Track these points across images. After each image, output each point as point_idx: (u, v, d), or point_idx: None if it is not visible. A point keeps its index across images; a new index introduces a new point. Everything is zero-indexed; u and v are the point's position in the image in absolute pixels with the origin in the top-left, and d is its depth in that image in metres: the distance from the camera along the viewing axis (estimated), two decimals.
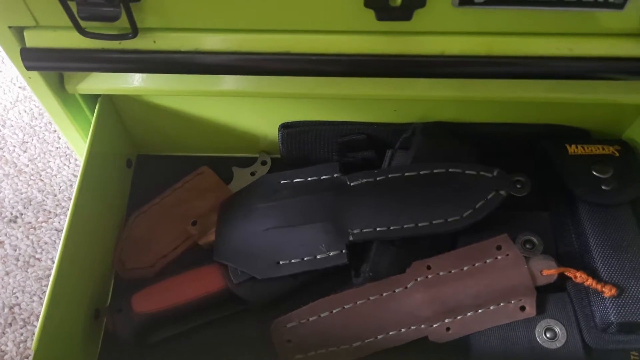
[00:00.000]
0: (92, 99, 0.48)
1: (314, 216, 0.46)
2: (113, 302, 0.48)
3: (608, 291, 0.42)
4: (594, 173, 0.47)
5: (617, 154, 0.48)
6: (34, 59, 0.39)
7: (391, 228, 0.44)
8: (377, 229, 0.44)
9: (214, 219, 0.50)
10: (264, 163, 0.56)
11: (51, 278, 0.40)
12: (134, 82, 0.44)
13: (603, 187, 0.46)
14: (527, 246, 0.45)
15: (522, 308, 0.43)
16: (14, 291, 0.57)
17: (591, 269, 0.44)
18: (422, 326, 0.44)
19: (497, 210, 0.44)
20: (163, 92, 0.46)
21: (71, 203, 0.43)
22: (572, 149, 0.48)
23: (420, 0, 0.33)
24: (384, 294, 0.44)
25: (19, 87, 0.72)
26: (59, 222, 0.61)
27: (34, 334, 0.54)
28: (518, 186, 0.50)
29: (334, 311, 0.44)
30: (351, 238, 0.44)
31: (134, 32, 0.36)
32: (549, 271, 0.43)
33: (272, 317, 0.45)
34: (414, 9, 0.34)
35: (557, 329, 0.43)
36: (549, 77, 0.38)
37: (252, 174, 0.55)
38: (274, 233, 0.46)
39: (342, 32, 0.37)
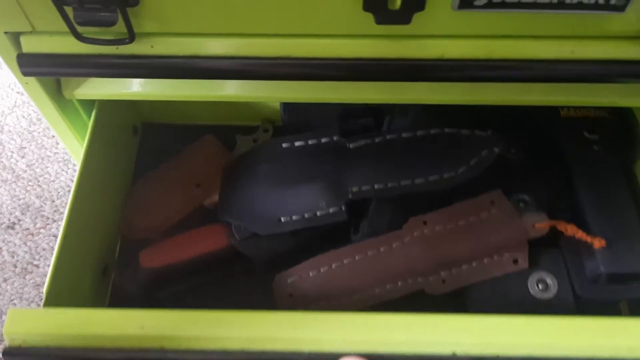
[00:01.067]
0: (89, 103, 0.48)
1: (314, 175, 0.48)
2: (121, 257, 0.51)
3: (597, 243, 0.43)
4: (586, 134, 0.48)
5: (609, 116, 0.49)
6: (30, 65, 0.39)
7: (389, 185, 0.46)
8: (375, 187, 0.46)
9: (218, 182, 0.52)
10: (266, 130, 0.58)
11: (59, 237, 0.41)
12: (132, 87, 0.44)
13: (595, 148, 0.48)
14: (521, 205, 0.46)
15: (515, 261, 0.44)
16: (11, 298, 0.56)
17: (582, 223, 0.45)
18: (419, 279, 0.45)
19: (492, 171, 0.45)
20: (162, 97, 0.46)
21: (78, 166, 0.45)
22: (564, 112, 0.50)
23: (419, 4, 0.33)
24: (382, 249, 0.45)
25: (17, 92, 0.72)
26: (57, 229, 0.61)
27: None
28: (512, 150, 0.50)
29: (333, 266, 0.46)
30: (350, 196, 0.46)
31: (131, 37, 0.36)
32: (540, 225, 0.44)
33: (275, 275, 0.47)
34: (413, 12, 0.34)
35: (548, 281, 0.44)
36: (551, 80, 0.38)
37: (255, 141, 0.57)
38: (276, 192, 0.48)
39: (341, 36, 0.37)
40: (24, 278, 0.58)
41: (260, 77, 0.39)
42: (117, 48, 0.38)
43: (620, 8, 0.33)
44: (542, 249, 0.45)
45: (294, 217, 0.47)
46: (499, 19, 0.35)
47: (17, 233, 0.61)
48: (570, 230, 0.44)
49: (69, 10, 0.34)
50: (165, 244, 0.49)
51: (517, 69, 0.37)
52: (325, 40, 0.37)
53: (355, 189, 0.46)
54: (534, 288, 0.44)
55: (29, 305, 0.56)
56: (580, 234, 0.44)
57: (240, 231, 0.47)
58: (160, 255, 0.48)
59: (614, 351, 0.34)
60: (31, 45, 0.38)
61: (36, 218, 0.62)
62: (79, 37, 0.36)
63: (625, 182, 0.47)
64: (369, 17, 0.34)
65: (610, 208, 0.46)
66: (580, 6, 0.33)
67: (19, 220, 0.62)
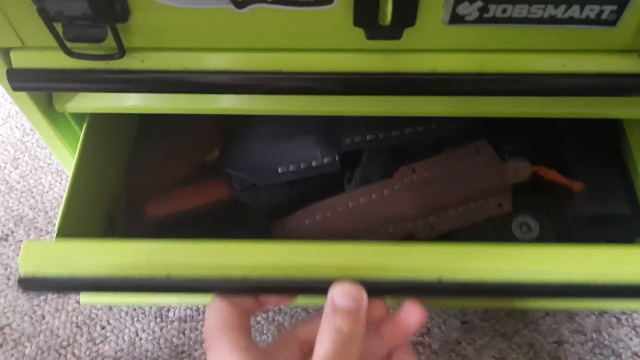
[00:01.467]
0: (81, 115, 0.48)
1: (310, 129, 0.51)
2: (127, 209, 0.53)
3: (577, 187, 0.47)
4: None
5: None
6: (20, 80, 0.38)
7: (380, 136, 0.49)
8: (367, 138, 0.49)
9: (218, 140, 0.55)
10: None
11: (66, 191, 0.44)
12: (125, 101, 0.44)
13: None
14: (506, 157, 0.49)
15: (500, 205, 0.48)
16: (4, 311, 0.56)
17: (563, 169, 0.49)
18: (409, 224, 0.48)
19: (478, 124, 0.48)
20: (155, 110, 0.46)
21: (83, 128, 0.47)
22: None
23: (409, 19, 0.33)
24: (374, 196, 0.48)
25: (10, 103, 0.72)
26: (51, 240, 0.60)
27: (24, 354, 0.53)
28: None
29: (328, 214, 0.49)
30: (344, 147, 0.49)
31: (121, 52, 0.36)
32: (523, 170, 0.48)
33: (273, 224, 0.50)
34: (404, 27, 0.33)
35: (531, 223, 0.48)
36: (543, 94, 0.38)
37: None
38: (274, 145, 0.51)
39: (332, 50, 0.37)
40: (18, 291, 0.57)
41: (251, 91, 0.39)
42: (107, 63, 0.37)
43: (611, 23, 0.33)
44: (525, 194, 0.49)
45: (291, 168, 0.50)
46: (491, 33, 0.35)
47: (11, 245, 0.60)
48: (552, 175, 0.47)
49: (58, 26, 0.34)
50: (170, 195, 0.52)
51: (509, 83, 0.37)
52: (317, 54, 0.37)
53: (348, 140, 0.49)
54: (518, 230, 0.48)
55: (22, 318, 0.56)
56: (561, 179, 0.47)
57: (240, 182, 0.51)
58: (165, 205, 0.52)
59: (588, 276, 0.37)
60: (21, 60, 0.38)
61: (29, 230, 0.61)
62: (69, 52, 0.36)
63: (605, 131, 0.50)
64: (360, 32, 0.34)
65: (590, 155, 0.49)
66: (571, 21, 0.33)
67: (12, 232, 0.61)
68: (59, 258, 0.38)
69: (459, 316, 0.54)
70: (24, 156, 0.67)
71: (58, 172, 0.66)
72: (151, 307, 0.56)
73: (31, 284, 0.38)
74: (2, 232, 0.61)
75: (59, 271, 0.38)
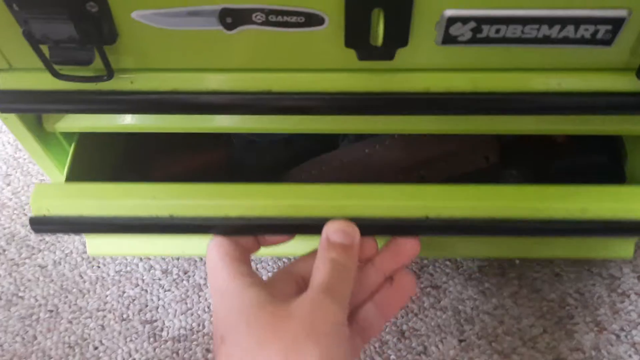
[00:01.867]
0: (71, 134, 0.47)
1: None
2: (132, 168, 0.55)
3: (560, 139, 0.51)
4: None
5: None
6: (8, 101, 0.38)
7: None
8: None
9: None
10: None
11: (70, 152, 0.46)
12: (116, 120, 0.43)
13: None
14: None
15: (487, 158, 0.50)
16: None
17: None
18: (400, 177, 0.50)
19: None
20: (145, 129, 0.45)
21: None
22: None
23: (402, 40, 0.32)
24: (367, 151, 0.51)
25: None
26: (43, 259, 0.59)
27: None
28: None
29: (323, 168, 0.51)
30: None
31: (109, 74, 0.35)
32: None
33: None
34: (396, 48, 0.33)
35: (517, 174, 0.51)
36: (538, 112, 0.37)
37: None
38: None
39: (324, 70, 0.36)
40: (9, 310, 0.56)
41: (242, 111, 0.39)
42: (96, 84, 0.37)
43: (607, 42, 0.32)
44: (511, 148, 0.51)
45: None
46: (484, 53, 0.34)
47: (2, 264, 0.60)
48: None
49: (45, 48, 0.34)
50: (172, 155, 0.55)
51: (503, 102, 0.36)
52: (308, 74, 0.36)
53: None
54: (504, 181, 0.51)
55: (13, 338, 0.55)
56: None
57: (239, 141, 0.54)
58: (169, 166, 0.55)
59: (567, 212, 0.40)
60: (9, 82, 0.37)
61: (21, 248, 0.61)
62: (57, 74, 0.35)
63: None
64: (352, 52, 0.34)
65: None
66: (566, 41, 0.32)
67: (4, 250, 0.60)
68: (68, 199, 0.41)
69: (455, 334, 0.53)
70: (16, 172, 0.67)
71: None
72: (144, 327, 0.55)
73: (41, 224, 0.41)
74: None
75: (67, 211, 0.41)
